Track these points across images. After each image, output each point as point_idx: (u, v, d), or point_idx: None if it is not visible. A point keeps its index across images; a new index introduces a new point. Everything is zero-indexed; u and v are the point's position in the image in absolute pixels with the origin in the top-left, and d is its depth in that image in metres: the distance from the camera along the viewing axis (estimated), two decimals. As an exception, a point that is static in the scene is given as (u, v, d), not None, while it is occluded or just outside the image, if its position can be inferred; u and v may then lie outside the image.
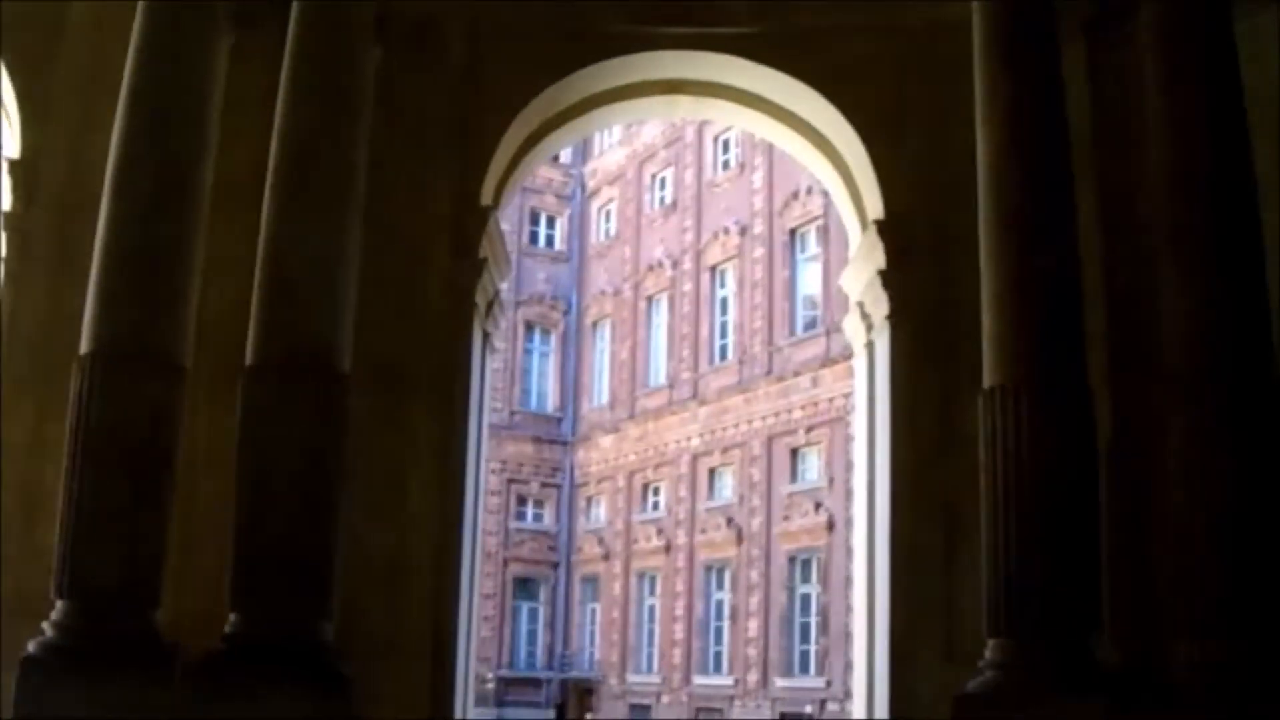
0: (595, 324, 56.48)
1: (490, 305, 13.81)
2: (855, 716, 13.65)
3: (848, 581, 39.52)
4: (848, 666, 38.82)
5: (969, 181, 10.80)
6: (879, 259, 12.98)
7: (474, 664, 13.84)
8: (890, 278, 12.84)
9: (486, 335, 13.82)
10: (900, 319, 12.75)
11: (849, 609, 39.18)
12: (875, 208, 13.27)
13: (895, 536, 12.30)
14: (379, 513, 11.89)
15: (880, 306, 13.09)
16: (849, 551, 39.90)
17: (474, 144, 13.06)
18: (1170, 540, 9.58)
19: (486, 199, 13.25)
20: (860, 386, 14.21)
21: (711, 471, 47.68)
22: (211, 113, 11.03)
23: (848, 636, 38.95)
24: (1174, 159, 10.05)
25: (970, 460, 10.89)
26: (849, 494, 40.33)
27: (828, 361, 41.91)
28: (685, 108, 15.17)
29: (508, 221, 56.07)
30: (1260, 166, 9.92)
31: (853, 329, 14.44)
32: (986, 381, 9.81)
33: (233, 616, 9.88)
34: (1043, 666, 9.09)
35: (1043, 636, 9.16)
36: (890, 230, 12.88)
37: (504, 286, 14.55)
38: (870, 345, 13.72)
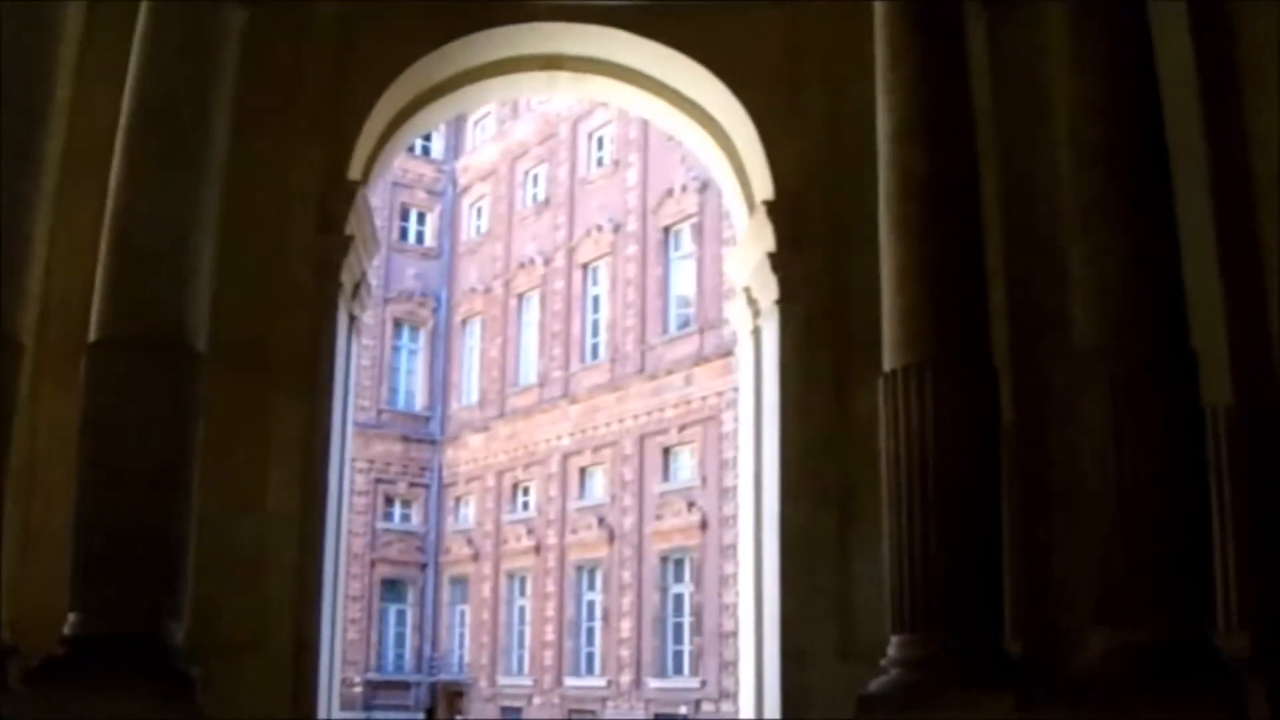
0: (465, 321, 55.52)
1: (357, 287, 13.05)
2: (742, 718, 13.07)
3: (721, 581, 39.32)
4: (723, 666, 38.59)
5: (861, 161, 10.44)
6: (768, 241, 12.48)
7: (339, 666, 13.07)
8: (780, 260, 12.34)
9: (353, 318, 13.06)
10: (790, 303, 12.27)
11: (723, 608, 38.99)
12: (764, 189, 12.78)
13: (786, 528, 11.79)
14: (238, 505, 11.13)
15: (769, 291, 12.59)
16: (722, 550, 39.67)
17: (343, 115, 12.33)
18: (1084, 524, 9.13)
19: (355, 173, 12.50)
20: (745, 374, 13.69)
21: (583, 471, 47.02)
22: (55, 77, 10.12)
23: (721, 636, 38.75)
24: (1084, 132, 9.60)
25: (864, 447, 10.59)
26: (722, 493, 40.11)
27: (701, 360, 41.65)
28: (565, 84, 14.54)
29: (379, 216, 55.03)
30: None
31: (738, 315, 13.92)
32: (888, 363, 9.31)
33: (71, 615, 9.02)
34: (950, 662, 8.58)
35: (950, 630, 8.65)
36: (780, 211, 12.40)
37: (371, 269, 13.75)
38: (757, 331, 13.21)
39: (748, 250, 13.31)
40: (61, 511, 9.47)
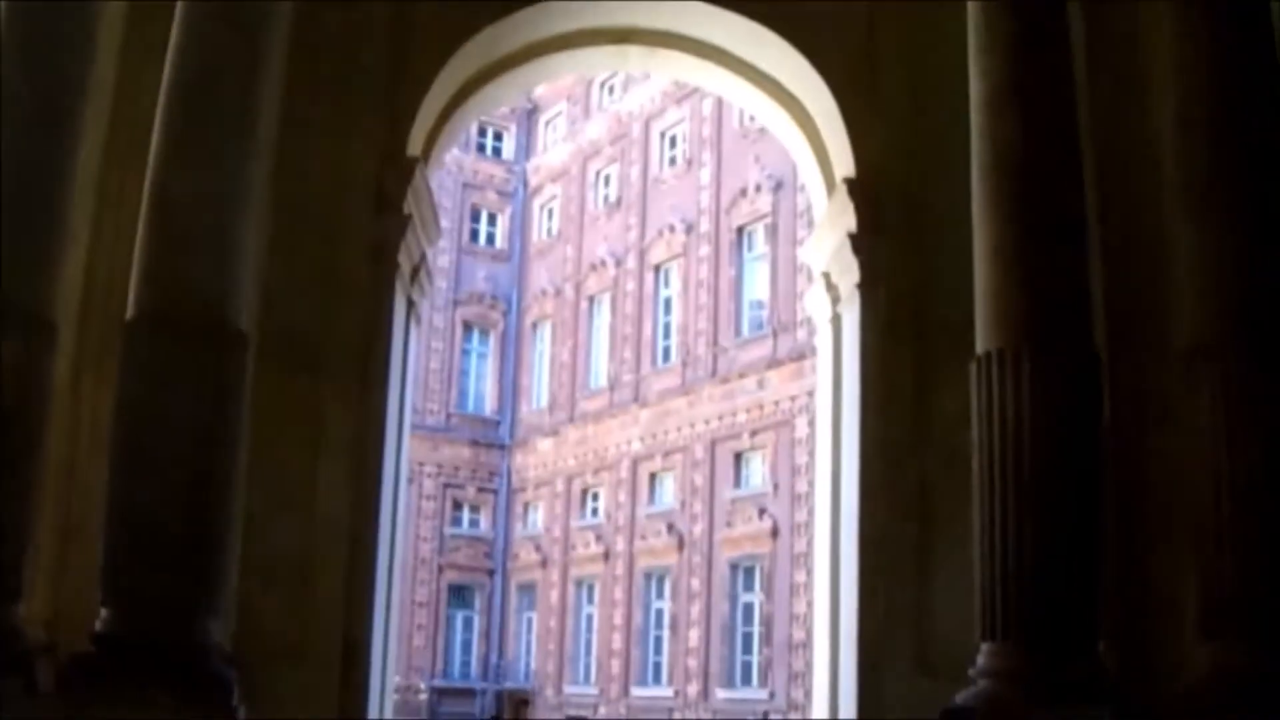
0: (535, 324, 55.19)
1: (416, 271, 12.40)
2: (818, 730, 12.32)
3: (792, 590, 38.58)
4: (791, 678, 37.83)
5: (949, 135, 9.76)
6: (848, 222, 11.73)
7: (393, 675, 12.44)
8: (861, 242, 11.58)
9: (412, 304, 12.41)
10: (871, 288, 11.49)
11: (793, 618, 38.24)
12: (845, 166, 12.02)
13: (864, 531, 11.01)
14: (285, 503, 10.49)
15: (849, 275, 11.83)
16: (794, 559, 38.92)
17: (402, 87, 11.61)
18: (1187, 532, 8.34)
19: (414, 149, 11.80)
20: (824, 366, 12.92)
21: (652, 476, 46.48)
22: (92, 43, 9.55)
23: (792, 647, 37.98)
24: (1191, 111, 8.80)
25: (948, 444, 10.12)
26: (795, 499, 39.38)
27: (774, 363, 40.99)
28: (636, 59, 13.85)
29: (448, 218, 54.91)
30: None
31: (816, 303, 13.15)
32: (981, 345, 8.49)
33: (104, 612, 8.41)
34: (1045, 674, 7.77)
35: (1043, 639, 7.83)
36: (862, 190, 11.64)
37: (431, 253, 13.11)
38: (836, 319, 12.45)
39: (827, 233, 12.56)
40: (101, 508, 8.94)
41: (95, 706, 7.88)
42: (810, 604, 37.88)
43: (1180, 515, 8.70)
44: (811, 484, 39.25)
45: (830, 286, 12.52)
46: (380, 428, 11.22)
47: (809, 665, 36.89)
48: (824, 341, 12.97)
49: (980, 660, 8.08)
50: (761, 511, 40.53)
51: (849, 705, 10.87)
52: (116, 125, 10.37)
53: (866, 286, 11.55)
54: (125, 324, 8.71)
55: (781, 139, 14.22)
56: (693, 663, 42.30)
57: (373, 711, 11.03)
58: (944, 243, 10.73)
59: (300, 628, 10.43)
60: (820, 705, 12.04)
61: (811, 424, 39.07)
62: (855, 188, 11.71)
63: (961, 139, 9.15)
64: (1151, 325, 9.57)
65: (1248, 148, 8.59)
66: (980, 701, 7.87)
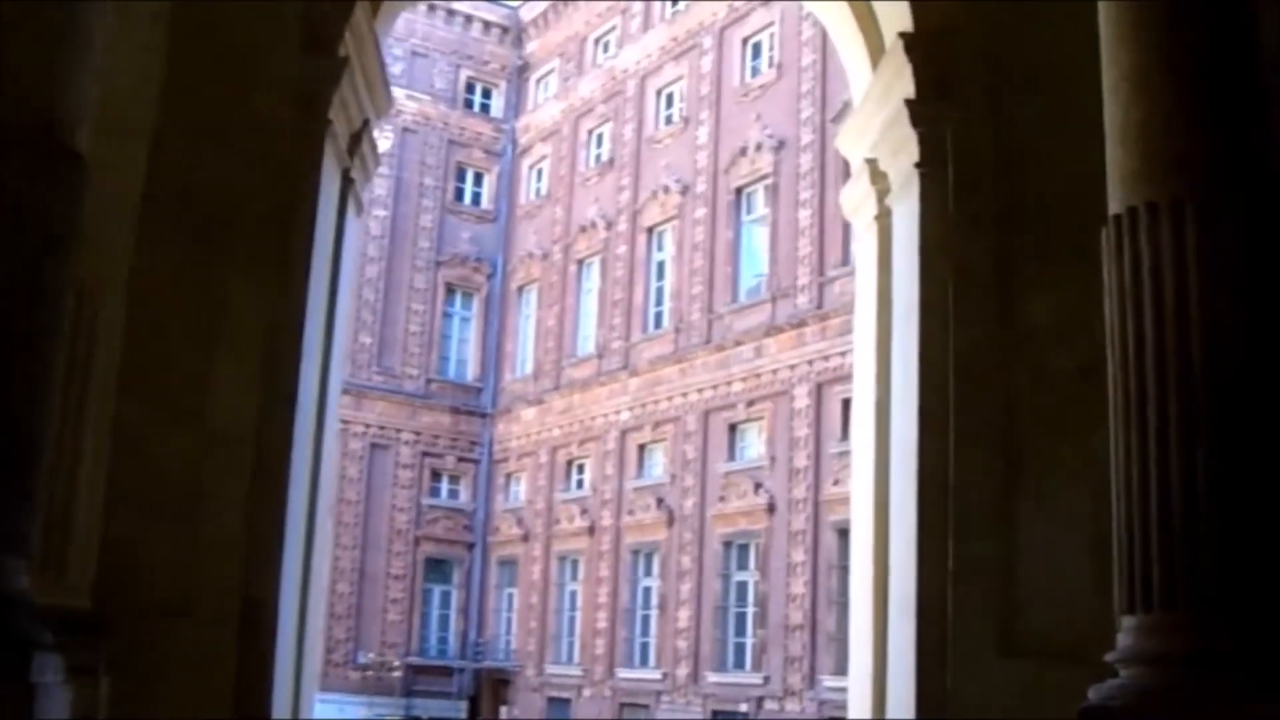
0: (521, 288, 52.82)
1: (357, 140, 9.92)
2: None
3: (789, 569, 36.39)
4: (787, 661, 35.67)
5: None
6: (904, 88, 9.34)
7: (317, 643, 9.97)
8: (922, 110, 9.16)
9: (350, 182, 9.93)
10: (935, 167, 9.04)
11: (790, 599, 35.97)
12: (900, 22, 9.59)
13: (926, 474, 8.55)
14: (170, 414, 8.13)
15: (904, 154, 9.42)
16: (790, 536, 36.63)
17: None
18: None
19: (358, -17, 9.38)
20: (865, 277, 10.48)
21: (641, 448, 44.17)
22: None
23: (788, 629, 35.80)
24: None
25: (1037, 364, 7.94)
26: (792, 474, 37.10)
27: (772, 330, 38.75)
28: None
29: (432, 175, 52.60)
30: None
31: (856, 201, 10.74)
32: (1118, 203, 6.05)
33: None
34: (1220, 657, 5.33)
35: (1219, 610, 5.38)
36: (923, 46, 9.22)
37: (378, 124, 10.62)
38: (884, 216, 10.01)
39: (873, 109, 10.13)
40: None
41: None
42: (808, 584, 35.95)
43: None
44: (811, 457, 37.31)
45: (877, 176, 10.10)
46: (299, 321, 8.72)
47: (805, 648, 35.19)
48: (865, 249, 10.55)
49: (1123, 639, 5.62)
50: (757, 486, 38.29)
51: (902, 699, 8.41)
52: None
53: (928, 166, 9.12)
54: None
55: (813, 5, 11.74)
56: (682, 644, 40.09)
57: (281, 688, 8.53)
58: (1027, 108, 8.69)
59: (187, 575, 8.01)
60: (860, 700, 9.56)
61: (811, 394, 36.94)
62: (915, 44, 9.29)
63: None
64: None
65: None
66: (1130, 697, 5.41)
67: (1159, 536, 5.47)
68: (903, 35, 9.38)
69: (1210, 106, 5.94)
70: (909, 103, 9.21)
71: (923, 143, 9.12)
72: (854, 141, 10.83)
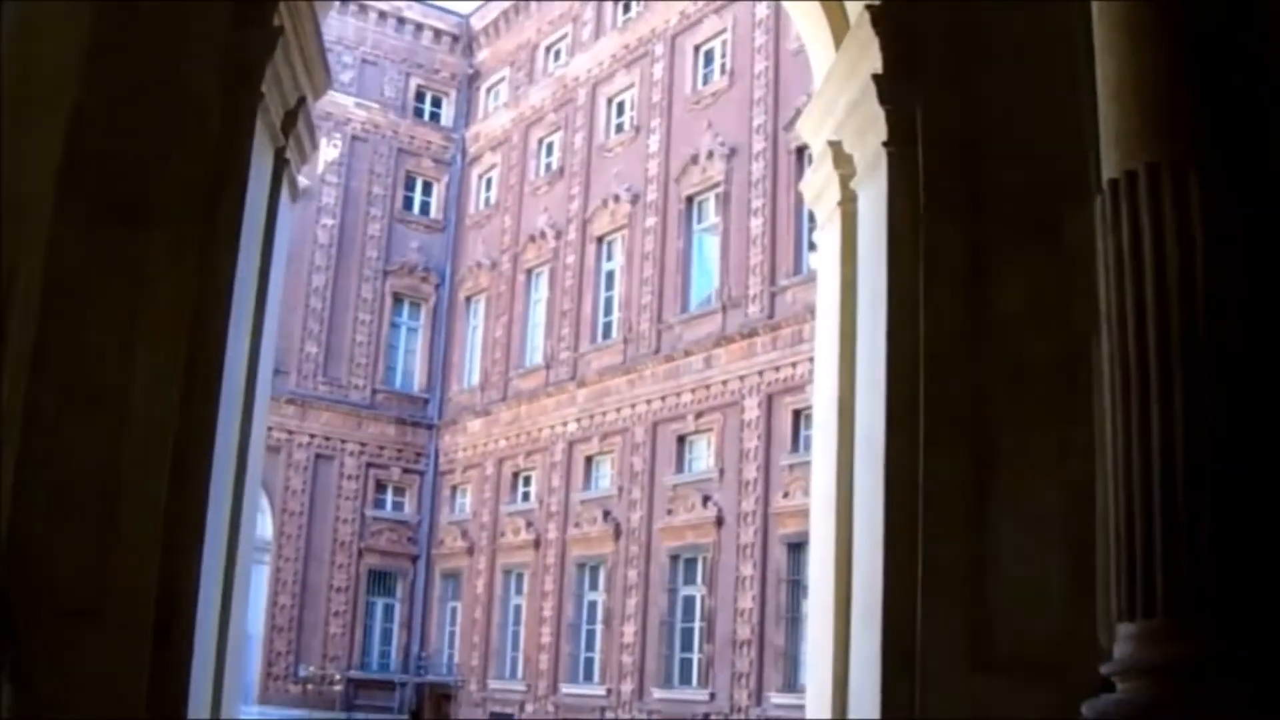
0: (469, 299, 52.07)
1: (292, 118, 9.31)
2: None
3: (737, 583, 35.80)
4: (735, 678, 35.06)
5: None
6: (871, 63, 8.85)
7: (243, 651, 9.34)
8: (890, 86, 8.67)
9: (285, 163, 9.33)
10: (904, 146, 8.53)
11: (738, 614, 35.35)
12: (866, -5, 9.12)
13: (893, 473, 8.02)
14: (84, 399, 7.51)
15: (871, 135, 8.93)
16: (739, 550, 36.01)
17: None
18: None
19: (289, -51, 8.79)
20: (827, 267, 9.99)
21: (589, 460, 43.41)
22: None
23: (735, 645, 35.21)
24: None
25: (1009, 356, 7.42)
26: (741, 486, 36.54)
27: (723, 340, 38.16)
28: None
29: (380, 185, 51.82)
30: None
31: (819, 187, 10.24)
32: (1112, 168, 5.55)
33: None
34: (1227, 668, 4.82)
35: (1225, 616, 4.87)
36: (891, 19, 8.73)
37: (315, 103, 10.00)
38: (849, 203, 9.52)
39: (838, 88, 9.64)
40: None
41: None
42: (756, 599, 35.36)
43: None
44: (761, 469, 36.75)
45: (841, 159, 9.60)
46: (225, 305, 8.10)
47: (753, 664, 34.58)
48: (828, 238, 10.05)
49: (1120, 647, 5.09)
50: (706, 499, 37.66)
51: (866, 714, 7.87)
52: None
53: (896, 146, 8.63)
54: None
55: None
56: (627, 659, 39.37)
57: (197, 696, 7.88)
58: (1001, 85, 8.28)
59: (101, 574, 7.39)
60: (819, 716, 9.01)
61: (761, 405, 36.40)
62: (881, 17, 8.79)
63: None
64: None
65: None
66: (1130, 712, 4.90)
67: (1163, 531, 4.95)
68: (869, 8, 8.89)
69: (1215, 59, 5.48)
70: (876, 78, 8.71)
71: (890, 121, 8.62)
72: (816, 124, 10.31)
